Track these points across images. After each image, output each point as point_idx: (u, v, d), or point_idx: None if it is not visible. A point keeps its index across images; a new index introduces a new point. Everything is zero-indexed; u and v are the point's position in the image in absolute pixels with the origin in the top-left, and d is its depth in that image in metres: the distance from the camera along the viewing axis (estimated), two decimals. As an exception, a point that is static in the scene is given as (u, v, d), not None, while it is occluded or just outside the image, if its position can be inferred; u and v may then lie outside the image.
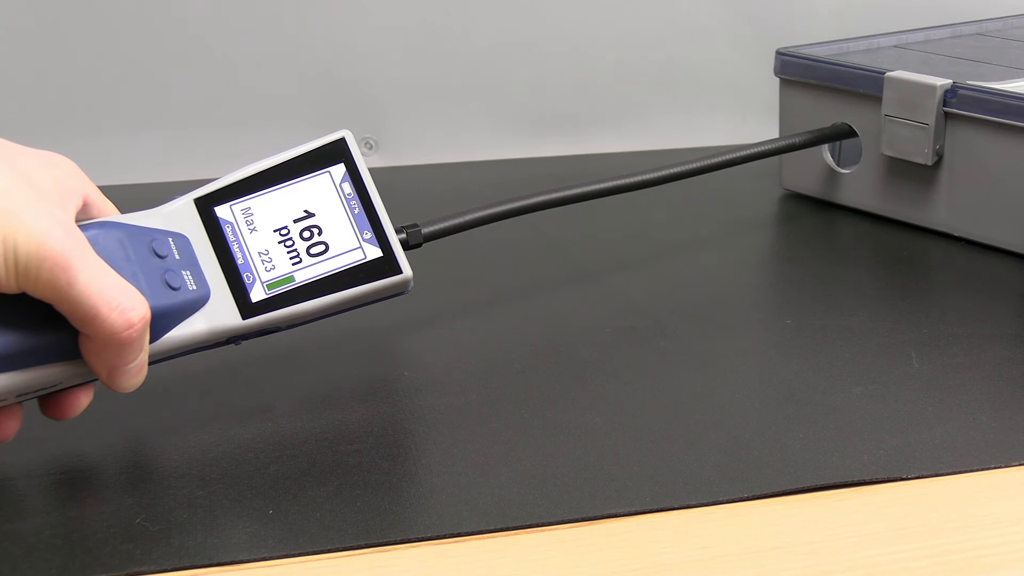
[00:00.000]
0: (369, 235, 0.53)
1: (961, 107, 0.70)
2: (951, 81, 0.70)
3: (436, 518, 0.46)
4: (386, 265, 0.53)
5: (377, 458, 0.50)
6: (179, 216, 0.51)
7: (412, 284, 0.54)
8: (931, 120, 0.70)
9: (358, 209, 0.53)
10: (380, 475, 0.49)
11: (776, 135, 0.80)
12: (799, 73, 0.77)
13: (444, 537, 0.45)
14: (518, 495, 0.47)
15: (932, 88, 0.70)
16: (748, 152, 0.71)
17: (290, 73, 0.85)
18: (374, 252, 0.53)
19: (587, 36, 0.89)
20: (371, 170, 0.81)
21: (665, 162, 0.69)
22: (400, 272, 0.53)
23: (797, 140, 0.74)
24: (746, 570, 0.44)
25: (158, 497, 0.47)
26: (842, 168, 0.77)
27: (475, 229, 0.61)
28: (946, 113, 0.70)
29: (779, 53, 0.78)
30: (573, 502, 0.47)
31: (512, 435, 0.51)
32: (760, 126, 0.90)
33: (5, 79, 0.81)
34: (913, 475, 0.49)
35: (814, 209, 0.77)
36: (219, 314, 0.50)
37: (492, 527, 0.46)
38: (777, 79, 0.79)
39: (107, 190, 0.52)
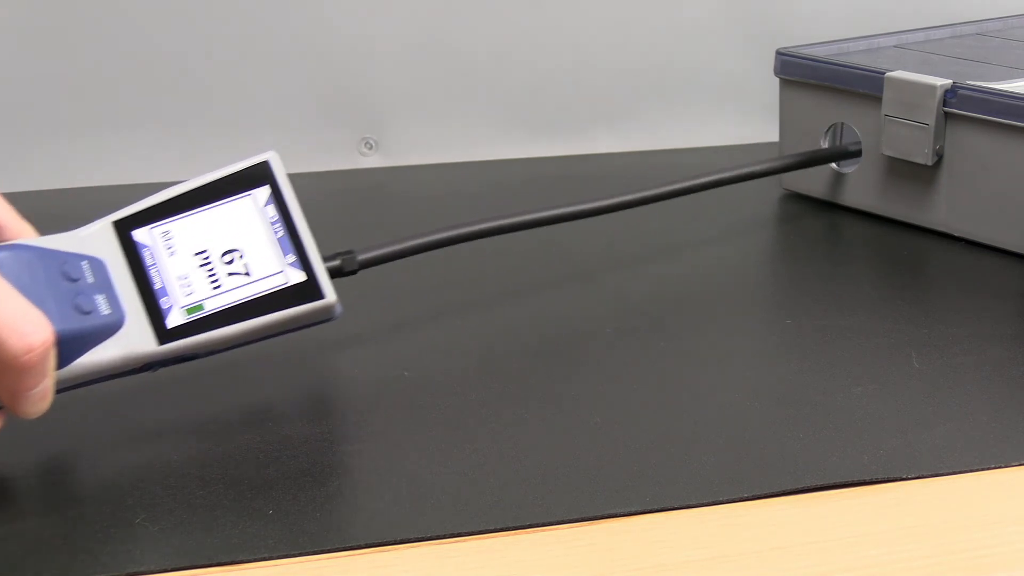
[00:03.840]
0: (293, 259, 0.52)
1: (961, 107, 0.70)
2: (951, 81, 0.71)
3: (436, 518, 0.46)
4: (309, 290, 0.52)
5: (377, 458, 0.50)
6: (96, 239, 0.50)
7: (340, 310, 0.53)
8: (931, 120, 0.70)
9: (282, 232, 0.52)
10: (380, 475, 0.49)
11: (776, 135, 0.80)
12: (799, 73, 0.77)
13: (444, 537, 0.45)
14: (518, 495, 0.47)
15: (932, 88, 0.70)
16: (708, 180, 0.71)
17: (290, 73, 0.85)
18: (298, 276, 0.52)
19: (587, 36, 0.89)
20: (371, 170, 0.81)
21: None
22: (323, 297, 0.52)
23: (791, 161, 0.75)
24: (746, 570, 0.44)
25: (158, 497, 0.47)
26: (842, 168, 0.77)
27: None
28: (946, 113, 0.70)
29: (779, 53, 0.78)
30: (573, 502, 0.47)
31: (512, 435, 0.51)
32: (760, 126, 0.90)
33: (5, 78, 0.81)
34: (913, 475, 0.49)
35: (814, 209, 0.77)
36: (134, 340, 0.49)
37: (492, 527, 0.46)
38: (777, 79, 0.79)
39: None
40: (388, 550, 0.45)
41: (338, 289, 0.53)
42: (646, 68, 0.90)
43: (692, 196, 0.72)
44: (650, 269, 0.69)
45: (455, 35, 0.87)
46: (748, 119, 0.91)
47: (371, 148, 0.87)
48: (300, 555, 0.44)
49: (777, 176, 0.80)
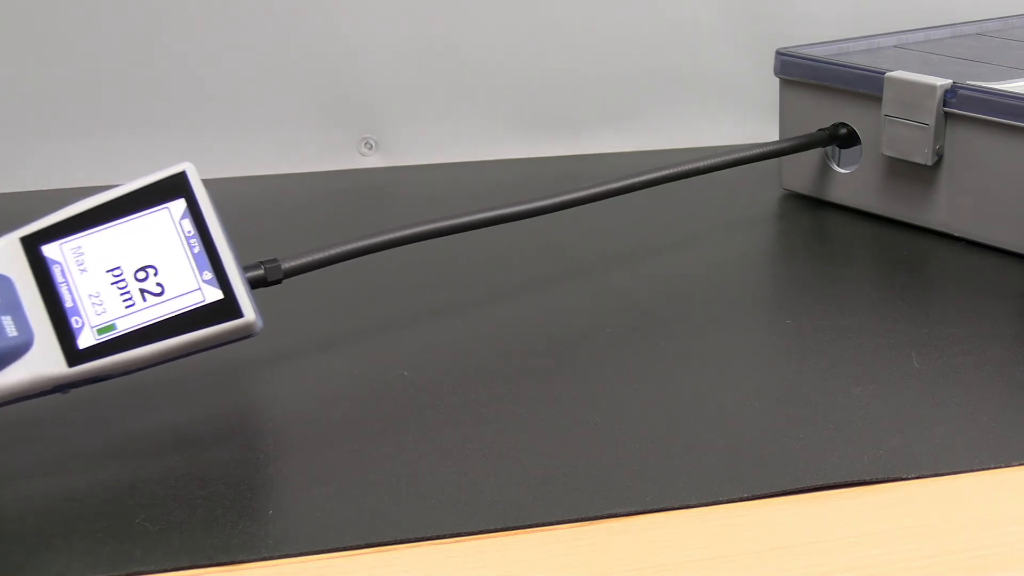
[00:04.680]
0: (209, 276, 0.50)
1: (961, 107, 0.70)
2: (951, 81, 0.70)
3: (436, 518, 0.46)
4: (227, 308, 0.49)
5: (377, 458, 0.50)
6: (2, 256, 0.49)
7: (260, 326, 0.51)
8: (931, 120, 0.70)
9: (198, 248, 0.50)
10: (380, 475, 0.49)
11: (776, 135, 0.80)
12: (799, 73, 0.77)
13: (444, 537, 0.45)
14: (518, 495, 0.47)
15: (932, 88, 0.70)
16: (708, 163, 0.71)
17: (290, 73, 0.85)
18: (214, 294, 0.49)
19: (587, 36, 0.89)
20: (371, 170, 0.81)
21: (664, 162, 0.69)
22: (240, 316, 0.49)
23: (786, 145, 0.74)
24: (746, 570, 0.44)
25: (158, 497, 0.47)
26: (842, 168, 0.77)
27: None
28: (946, 113, 0.70)
29: (779, 53, 0.78)
30: (573, 502, 0.47)
31: (512, 435, 0.51)
32: (760, 126, 0.90)
33: (5, 78, 0.81)
34: (913, 475, 0.49)
35: (814, 209, 0.78)
36: (42, 361, 0.47)
37: (492, 527, 0.46)
38: (777, 79, 0.79)
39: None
40: (388, 550, 0.45)
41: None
42: (646, 68, 0.90)
43: (691, 196, 0.72)
44: (649, 268, 0.69)
45: (455, 35, 0.87)
46: (748, 119, 0.91)
47: (371, 148, 0.87)
48: (300, 555, 0.44)
49: (776, 176, 0.80)
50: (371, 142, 0.87)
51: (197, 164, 0.84)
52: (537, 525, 0.46)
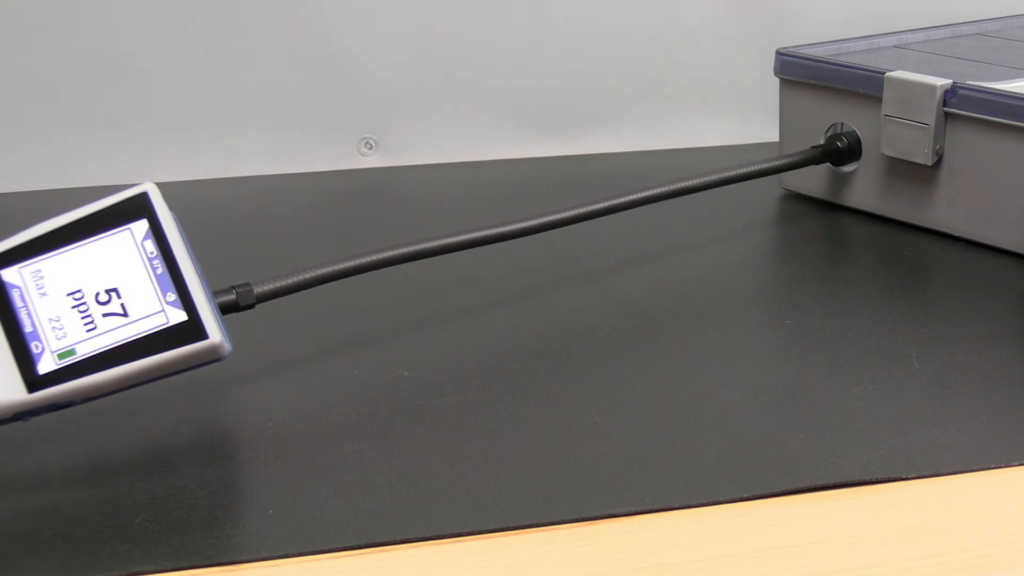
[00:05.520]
0: (173, 298, 0.49)
1: (961, 107, 0.70)
2: (951, 81, 0.71)
3: (436, 518, 0.46)
4: (191, 330, 0.48)
5: (377, 458, 0.50)
6: None
7: (229, 348, 0.49)
8: (931, 120, 0.70)
9: (161, 269, 0.49)
10: (380, 475, 0.49)
11: (776, 135, 0.80)
12: (799, 73, 0.77)
13: (444, 537, 0.45)
14: (518, 495, 0.47)
15: (932, 88, 0.70)
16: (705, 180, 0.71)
17: (290, 73, 0.85)
18: (178, 316, 0.48)
19: (587, 36, 0.89)
20: (371, 170, 0.81)
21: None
22: (205, 338, 0.48)
23: (781, 163, 0.74)
24: (746, 570, 0.44)
25: (158, 497, 0.47)
26: (842, 168, 0.77)
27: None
28: (946, 113, 0.71)
29: (779, 53, 0.78)
30: (573, 502, 0.47)
31: (512, 435, 0.51)
32: (760, 126, 0.90)
33: (5, 78, 0.81)
34: (913, 475, 0.49)
35: (814, 209, 0.78)
36: (1, 389, 0.46)
37: (492, 527, 0.46)
38: (777, 79, 0.79)
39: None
40: (388, 550, 0.45)
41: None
42: (646, 68, 0.90)
43: (691, 196, 0.72)
44: (650, 269, 0.69)
45: (455, 35, 0.87)
46: (748, 119, 0.91)
47: (371, 148, 0.87)
48: (300, 555, 0.44)
49: (777, 176, 0.80)
50: (371, 142, 0.87)
51: (197, 164, 0.85)
52: (537, 525, 0.46)
